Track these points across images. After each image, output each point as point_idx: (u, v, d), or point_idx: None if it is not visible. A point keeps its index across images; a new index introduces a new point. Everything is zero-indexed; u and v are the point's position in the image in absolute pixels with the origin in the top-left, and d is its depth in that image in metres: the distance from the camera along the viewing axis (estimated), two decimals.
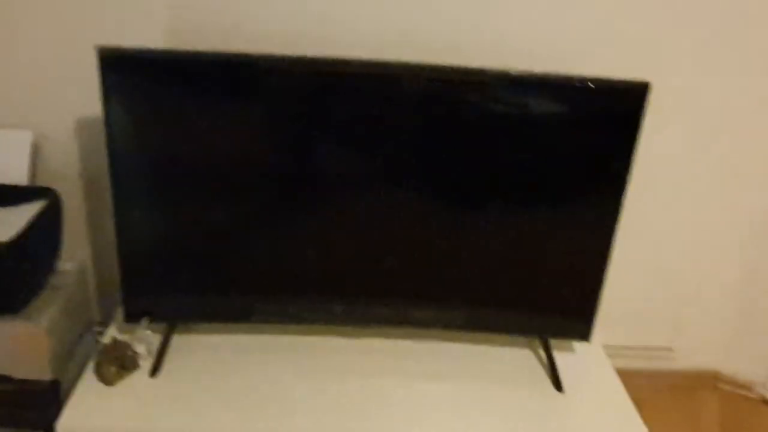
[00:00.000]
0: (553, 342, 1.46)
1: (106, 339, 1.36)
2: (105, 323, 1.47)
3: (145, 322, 1.34)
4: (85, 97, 1.40)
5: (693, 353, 1.78)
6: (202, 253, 1.32)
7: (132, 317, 1.34)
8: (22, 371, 1.27)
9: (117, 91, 1.17)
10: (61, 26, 1.36)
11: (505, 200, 1.29)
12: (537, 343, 1.47)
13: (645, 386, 1.77)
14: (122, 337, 1.34)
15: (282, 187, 1.27)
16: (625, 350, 1.77)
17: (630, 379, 1.75)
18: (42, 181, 1.44)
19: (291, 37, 1.38)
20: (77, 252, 1.54)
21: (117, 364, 1.29)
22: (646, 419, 1.68)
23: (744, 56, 1.46)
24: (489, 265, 1.34)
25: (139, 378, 1.31)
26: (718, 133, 1.54)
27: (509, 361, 1.43)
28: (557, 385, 1.36)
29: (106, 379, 1.28)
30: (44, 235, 1.33)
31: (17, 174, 1.40)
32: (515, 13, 1.39)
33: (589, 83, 1.19)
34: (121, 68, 1.16)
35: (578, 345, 1.49)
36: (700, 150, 1.55)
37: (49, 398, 1.29)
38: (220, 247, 1.32)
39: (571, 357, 1.46)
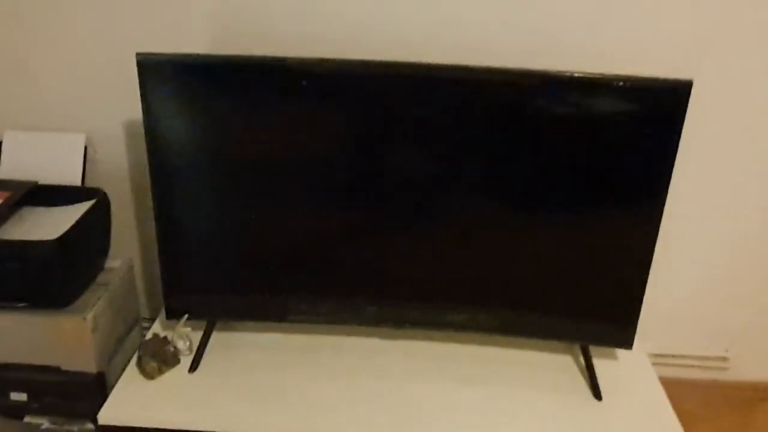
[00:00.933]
0: (596, 349, 1.42)
1: (148, 335, 1.40)
2: (152, 320, 1.52)
3: (184, 319, 1.38)
4: (133, 100, 1.45)
5: (749, 364, 1.70)
6: (240, 253, 1.35)
7: (173, 314, 1.38)
8: (69, 363, 1.33)
9: (155, 95, 1.21)
10: (109, 34, 1.42)
11: (546, 203, 1.26)
12: (577, 349, 1.43)
13: (699, 398, 1.71)
14: (164, 334, 1.39)
15: (319, 189, 1.29)
16: (678, 359, 1.70)
17: (684, 390, 1.69)
18: (93, 182, 1.51)
19: (327, 42, 1.40)
20: (125, 250, 1.60)
21: (158, 359, 1.33)
22: (701, 431, 1.62)
23: None
24: (527, 268, 1.31)
25: (179, 373, 1.35)
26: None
27: (548, 367, 1.40)
28: (596, 392, 1.32)
29: (147, 374, 1.32)
30: (92, 233, 1.39)
31: (71, 175, 1.46)
32: (556, 12, 1.36)
33: (631, 83, 1.15)
34: (158, 73, 1.20)
35: (621, 352, 1.45)
36: (750, 152, 1.48)
37: (95, 390, 1.35)
38: (257, 247, 1.34)
39: (613, 364, 1.41)
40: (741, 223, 1.56)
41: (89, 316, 1.30)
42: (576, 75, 1.17)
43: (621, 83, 1.15)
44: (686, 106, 1.14)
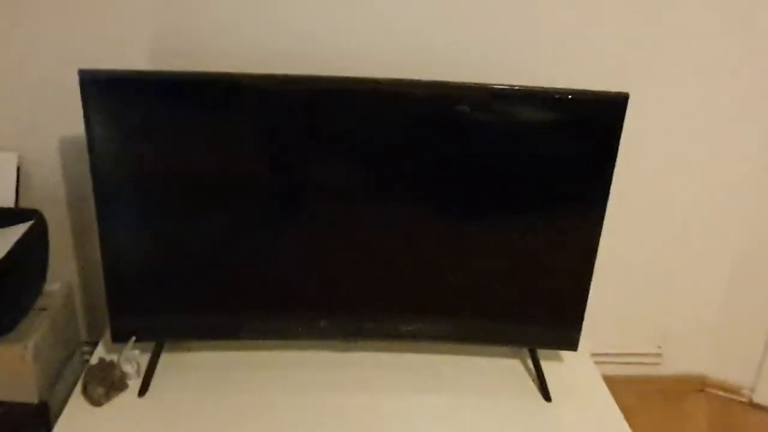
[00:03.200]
0: (542, 352, 1.47)
1: (93, 360, 1.35)
2: (94, 344, 1.46)
3: (132, 341, 1.34)
4: (69, 118, 1.41)
5: (681, 358, 1.80)
6: (187, 271, 1.32)
7: (119, 337, 1.34)
8: (8, 394, 1.27)
9: (98, 112, 1.18)
10: (45, 49, 1.37)
11: (489, 212, 1.30)
12: (525, 353, 1.48)
13: (634, 393, 1.78)
14: (109, 357, 1.34)
15: (264, 204, 1.28)
16: (613, 357, 1.78)
17: (619, 386, 1.76)
18: (28, 203, 1.44)
19: (272, 57, 1.40)
20: (64, 273, 1.54)
21: (105, 384, 1.28)
22: (636, 425, 1.68)
23: (719, 62, 1.49)
24: (474, 276, 1.35)
25: (128, 398, 1.30)
26: (699, 140, 1.56)
27: (498, 372, 1.44)
28: (546, 395, 1.37)
29: (94, 400, 1.27)
30: (30, 256, 1.33)
31: (3, 196, 1.40)
32: (496, 29, 1.41)
33: (570, 95, 1.20)
34: (102, 90, 1.16)
35: (566, 354, 1.50)
36: (683, 157, 1.57)
37: (38, 421, 1.29)
38: (204, 264, 1.32)
39: (560, 366, 1.46)
40: (671, 225, 1.65)
41: (30, 343, 1.25)
42: (517, 88, 1.21)
43: (560, 96, 1.20)
44: (623, 117, 1.20)
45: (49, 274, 1.44)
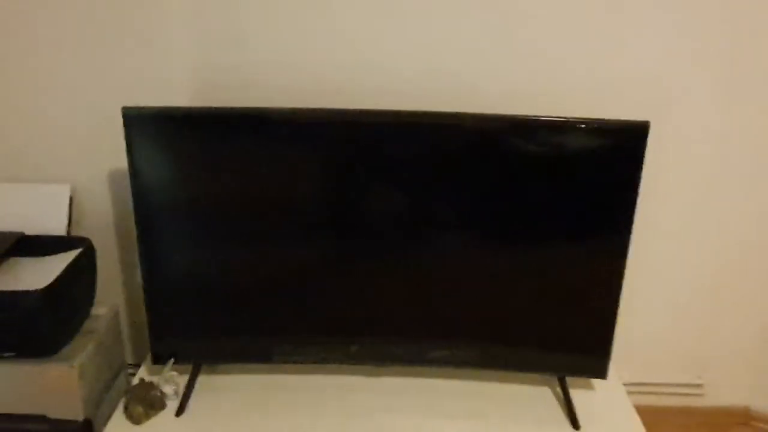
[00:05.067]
0: (573, 379, 1.46)
1: (134, 380, 1.42)
2: (137, 365, 1.54)
3: (171, 363, 1.40)
4: (118, 151, 1.50)
5: (722, 390, 1.75)
6: (225, 297, 1.38)
7: (159, 359, 1.41)
8: (55, 411, 1.34)
9: (140, 146, 1.26)
10: (93, 87, 1.47)
11: (517, 240, 1.32)
12: (555, 380, 1.48)
13: (675, 425, 1.75)
14: (150, 378, 1.41)
15: (299, 232, 1.33)
16: (653, 387, 1.75)
17: (660, 417, 1.74)
18: (79, 231, 1.54)
19: (309, 91, 1.46)
20: (112, 297, 1.62)
21: (144, 404, 1.35)
22: None
23: (742, 89, 1.48)
24: (503, 303, 1.36)
25: (166, 417, 1.36)
26: (734, 164, 1.54)
27: (526, 399, 1.44)
28: (574, 422, 1.36)
29: (134, 419, 1.34)
30: (78, 282, 1.42)
31: (56, 225, 1.49)
32: (519, 61, 1.45)
33: (593, 125, 1.22)
34: (143, 125, 1.25)
35: (598, 382, 1.49)
36: (718, 182, 1.56)
37: None
38: (241, 290, 1.38)
39: (590, 394, 1.45)
40: (708, 252, 1.63)
41: (76, 363, 1.33)
42: (542, 118, 1.23)
43: (584, 125, 1.22)
44: (645, 145, 1.21)
45: (98, 299, 1.52)
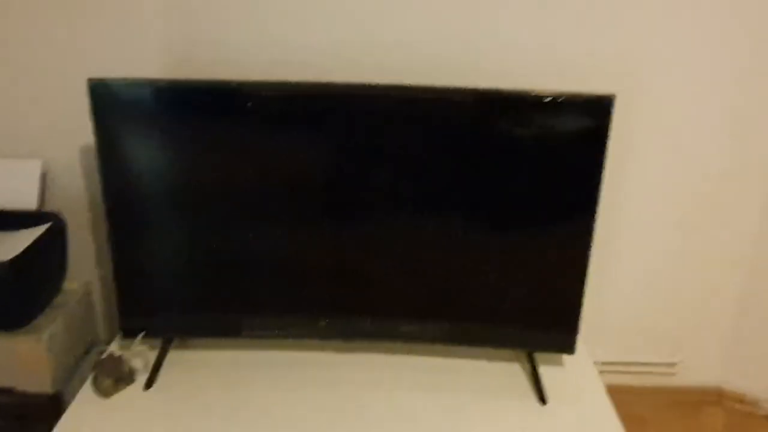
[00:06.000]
0: (544, 357, 1.47)
1: (104, 354, 1.42)
2: (111, 341, 1.54)
3: (140, 337, 1.40)
4: (89, 125, 1.50)
5: (696, 369, 1.76)
6: (194, 271, 1.38)
7: (129, 333, 1.41)
8: (24, 384, 1.35)
9: (107, 119, 1.25)
10: (64, 60, 1.46)
11: (483, 216, 1.32)
12: (524, 357, 1.48)
13: (648, 404, 1.76)
14: (120, 353, 1.41)
15: (268, 207, 1.33)
16: (626, 367, 1.76)
17: (633, 396, 1.75)
18: (52, 207, 1.54)
19: (277, 65, 1.46)
20: (85, 273, 1.63)
21: (113, 377, 1.35)
22: None
23: (711, 63, 1.48)
24: (471, 279, 1.36)
25: (135, 391, 1.37)
26: (710, 143, 1.54)
27: (495, 375, 1.44)
28: (541, 397, 1.37)
29: (103, 392, 1.34)
30: (47, 255, 1.42)
31: (28, 200, 1.49)
32: (487, 32, 1.44)
33: (558, 98, 1.22)
34: (110, 98, 1.24)
35: (569, 361, 1.49)
36: (693, 163, 1.56)
37: (51, 411, 1.36)
38: (210, 265, 1.38)
39: (560, 371, 1.46)
40: (684, 232, 1.63)
41: (44, 336, 1.33)
42: (506, 91, 1.23)
43: (548, 99, 1.22)
44: (610, 119, 1.21)
45: (71, 274, 1.53)
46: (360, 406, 1.34)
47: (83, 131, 1.51)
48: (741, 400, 1.76)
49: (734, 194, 1.59)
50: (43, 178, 1.51)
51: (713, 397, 1.78)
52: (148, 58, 1.46)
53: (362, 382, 1.41)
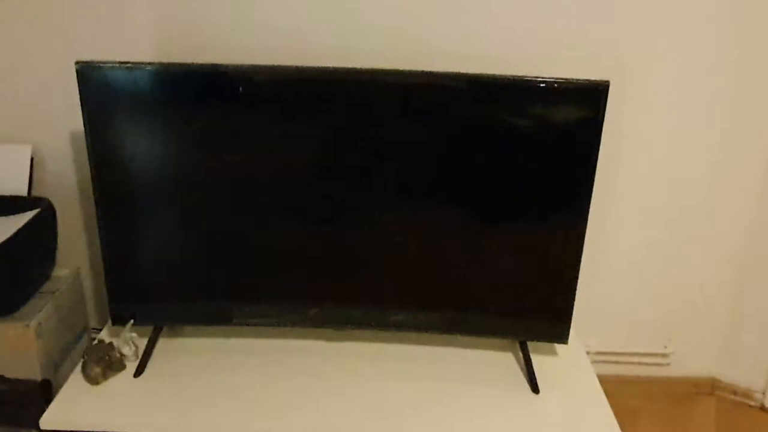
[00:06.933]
0: (537, 346, 1.46)
1: (94, 342, 1.41)
2: (102, 329, 1.53)
3: (130, 324, 1.39)
4: (78, 109, 1.48)
5: (689, 360, 1.75)
6: (184, 258, 1.37)
7: (119, 320, 1.40)
8: (13, 371, 1.34)
9: (95, 103, 1.24)
10: (53, 44, 1.45)
11: (476, 204, 1.31)
12: (517, 346, 1.47)
13: (641, 393, 1.75)
14: (110, 340, 1.40)
15: (259, 193, 1.32)
16: (620, 357, 1.75)
17: (626, 386, 1.74)
18: (42, 192, 1.52)
19: (268, 50, 1.44)
20: (76, 260, 1.61)
21: (103, 364, 1.34)
22: (641, 427, 1.67)
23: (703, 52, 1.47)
24: (464, 267, 1.35)
25: (124, 378, 1.36)
26: (704, 133, 1.53)
27: (488, 364, 1.44)
28: (534, 386, 1.36)
29: (92, 379, 1.33)
30: (36, 241, 1.40)
31: (17, 186, 1.48)
32: (479, 18, 1.43)
33: (552, 84, 1.21)
34: (98, 81, 1.22)
35: (561, 349, 1.49)
36: (688, 154, 1.55)
37: (40, 398, 1.35)
38: (201, 251, 1.36)
39: (553, 361, 1.45)
40: (678, 223, 1.62)
41: (33, 322, 1.32)
42: (500, 77, 1.22)
43: (543, 84, 1.20)
44: (605, 107, 1.20)
45: (61, 260, 1.51)
46: (350, 395, 1.33)
47: (73, 116, 1.50)
48: (734, 391, 1.76)
49: (728, 183, 1.58)
50: (33, 163, 1.50)
51: (706, 388, 1.78)
52: (139, 41, 1.44)
53: (353, 370, 1.40)
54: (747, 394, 1.75)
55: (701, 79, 1.48)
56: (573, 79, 1.20)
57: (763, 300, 1.67)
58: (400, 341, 1.49)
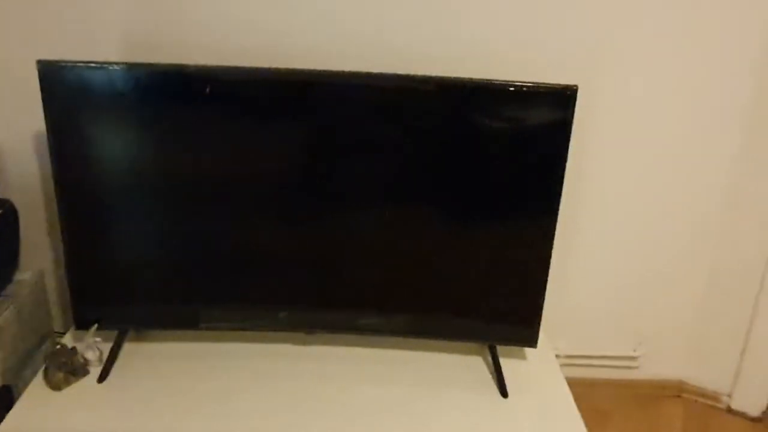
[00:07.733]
0: (506, 350, 1.46)
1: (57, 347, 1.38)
2: (66, 333, 1.50)
3: (93, 329, 1.36)
4: (41, 109, 1.45)
5: (657, 363, 1.77)
6: (150, 262, 1.34)
7: (82, 324, 1.37)
8: None
9: (57, 102, 1.21)
10: (14, 42, 1.41)
11: (445, 208, 1.30)
12: (486, 350, 1.47)
13: (610, 396, 1.76)
14: (73, 344, 1.37)
15: (225, 196, 1.30)
16: (589, 360, 1.76)
17: (595, 389, 1.75)
18: (2, 193, 1.48)
19: (235, 50, 1.43)
20: (39, 263, 1.58)
21: (65, 369, 1.31)
22: (612, 429, 1.68)
23: (669, 53, 1.48)
24: (432, 271, 1.35)
25: (88, 384, 1.33)
26: (677, 138, 1.54)
27: (457, 368, 1.43)
28: (503, 390, 1.36)
29: (54, 385, 1.30)
30: None
31: None
32: (451, 23, 1.42)
33: (521, 88, 1.21)
34: (60, 81, 1.20)
35: (531, 354, 1.49)
36: (659, 157, 1.56)
37: (0, 404, 1.32)
38: (166, 255, 1.34)
39: (522, 365, 1.45)
40: (647, 227, 1.63)
41: None
42: (468, 80, 1.21)
43: (513, 88, 1.20)
44: (573, 110, 1.20)
45: (24, 263, 1.48)
46: (320, 399, 1.32)
47: (35, 115, 1.46)
48: (701, 393, 1.78)
49: (695, 187, 1.59)
50: None
51: (674, 391, 1.79)
52: (104, 40, 1.41)
53: (322, 374, 1.39)
54: (714, 396, 1.77)
55: (669, 83, 1.49)
56: (543, 83, 1.20)
57: (729, 304, 1.68)
58: (370, 345, 1.48)
